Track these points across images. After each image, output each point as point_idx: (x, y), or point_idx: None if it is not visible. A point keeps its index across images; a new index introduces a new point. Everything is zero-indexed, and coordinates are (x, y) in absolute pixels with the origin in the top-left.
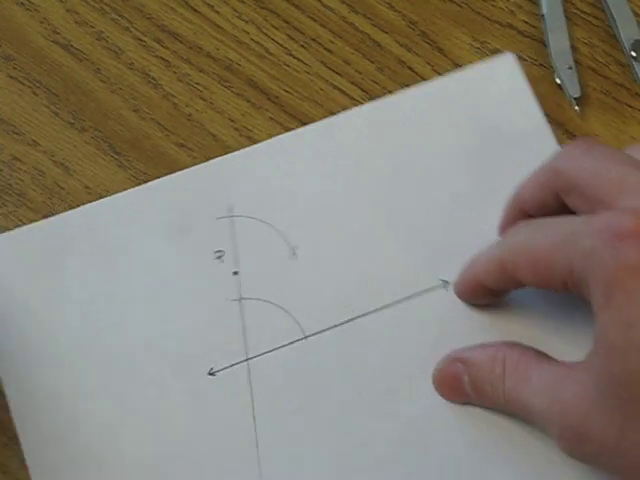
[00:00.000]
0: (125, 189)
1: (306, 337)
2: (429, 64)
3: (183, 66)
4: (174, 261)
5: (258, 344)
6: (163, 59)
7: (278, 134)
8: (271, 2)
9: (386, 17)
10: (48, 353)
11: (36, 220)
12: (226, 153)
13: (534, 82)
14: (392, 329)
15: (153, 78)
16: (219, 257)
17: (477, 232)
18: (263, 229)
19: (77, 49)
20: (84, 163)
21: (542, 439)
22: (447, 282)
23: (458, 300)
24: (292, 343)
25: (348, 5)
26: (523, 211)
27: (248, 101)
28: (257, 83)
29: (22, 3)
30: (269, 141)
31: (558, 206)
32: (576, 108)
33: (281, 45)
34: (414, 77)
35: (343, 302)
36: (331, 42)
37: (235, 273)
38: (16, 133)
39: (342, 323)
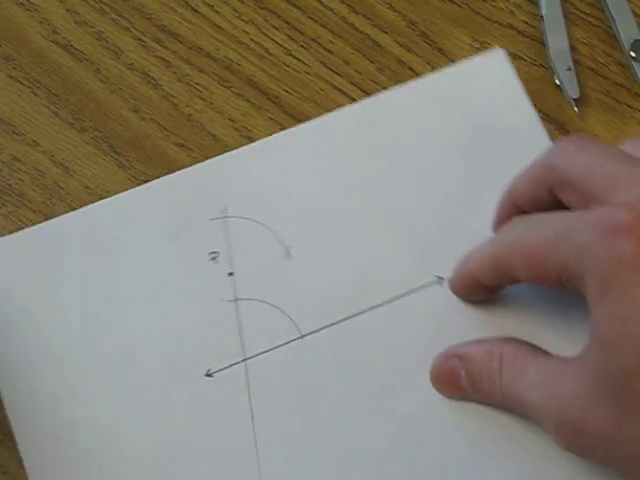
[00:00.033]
0: (125, 189)
1: (302, 336)
2: (429, 64)
3: (183, 66)
4: (169, 263)
5: (255, 344)
6: (163, 59)
7: None
8: (271, 2)
9: (386, 17)
10: (46, 355)
11: (36, 220)
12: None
13: (534, 82)
14: (388, 326)
15: (153, 78)
16: (214, 258)
17: (471, 228)
18: (257, 229)
19: (77, 49)
20: (84, 163)
21: (539, 434)
22: (442, 278)
23: (453, 296)
24: (289, 342)
25: (348, 5)
26: (517, 206)
27: (248, 101)
28: (257, 83)
29: (22, 3)
30: (261, 141)
31: (552, 202)
32: (575, 109)
33: (281, 45)
34: (414, 77)
35: (338, 300)
36: (331, 42)
37: (230, 274)
38: (16, 133)
39: (338, 322)
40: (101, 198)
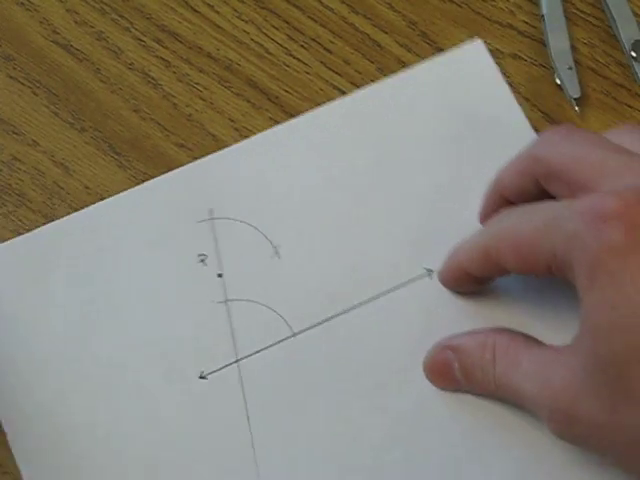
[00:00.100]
0: (125, 189)
1: (294, 335)
2: None
3: (183, 66)
4: (158, 267)
5: (247, 345)
6: (163, 59)
7: None
8: (271, 2)
9: (386, 17)
10: (41, 360)
11: (36, 220)
12: None
13: (534, 82)
14: (379, 321)
15: (153, 78)
16: (202, 260)
17: (459, 220)
18: (245, 230)
19: (77, 49)
20: (84, 163)
21: (534, 423)
22: (431, 271)
23: (443, 288)
24: (281, 342)
25: (348, 5)
26: (503, 197)
27: (248, 101)
28: (257, 83)
29: (22, 3)
30: (245, 141)
31: (538, 192)
32: (576, 108)
33: (281, 45)
34: None
35: (329, 297)
36: (331, 42)
37: (219, 275)
38: (16, 133)
39: (329, 318)
40: (101, 198)
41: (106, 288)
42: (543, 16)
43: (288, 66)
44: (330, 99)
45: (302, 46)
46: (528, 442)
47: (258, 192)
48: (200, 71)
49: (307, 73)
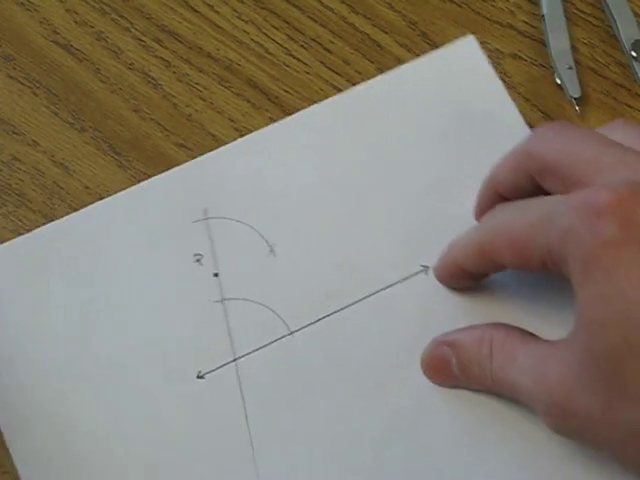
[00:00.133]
0: (124, 189)
1: (291, 333)
2: None
3: (183, 66)
4: (154, 268)
5: (244, 344)
6: (163, 59)
7: None
8: (271, 2)
9: (386, 17)
10: (39, 361)
11: (36, 220)
12: None
13: (534, 82)
14: (376, 318)
15: (153, 78)
16: (198, 260)
17: (454, 216)
18: (240, 229)
19: (77, 49)
20: (84, 163)
21: (531, 418)
22: (427, 267)
23: (439, 284)
24: (278, 340)
25: (348, 5)
26: (498, 193)
27: (248, 101)
28: (257, 83)
29: (22, 3)
30: (238, 141)
31: (532, 188)
32: (576, 108)
33: (281, 45)
34: None
35: (325, 295)
36: (331, 42)
37: (215, 275)
38: (16, 133)
39: (326, 316)
40: (101, 198)
41: (103, 289)
42: (543, 16)
43: (288, 66)
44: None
45: (302, 46)
46: (526, 436)
47: (252, 190)
48: (200, 71)
49: (307, 73)
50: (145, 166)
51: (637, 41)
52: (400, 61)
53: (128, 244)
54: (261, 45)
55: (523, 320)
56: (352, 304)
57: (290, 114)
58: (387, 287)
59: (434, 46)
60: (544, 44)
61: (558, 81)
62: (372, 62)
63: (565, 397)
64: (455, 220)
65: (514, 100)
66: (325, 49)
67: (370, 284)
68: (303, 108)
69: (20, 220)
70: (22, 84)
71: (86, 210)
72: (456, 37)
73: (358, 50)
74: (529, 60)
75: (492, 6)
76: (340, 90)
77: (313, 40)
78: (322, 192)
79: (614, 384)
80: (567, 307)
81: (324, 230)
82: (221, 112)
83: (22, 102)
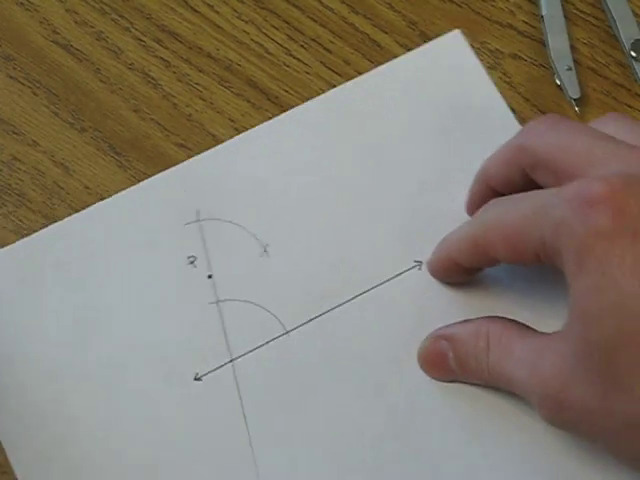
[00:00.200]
0: (125, 189)
1: (287, 332)
2: None
3: (183, 66)
4: (149, 271)
5: (240, 344)
6: (163, 59)
7: None
8: (271, 2)
9: (386, 17)
10: (36, 365)
11: (36, 220)
12: None
13: (534, 82)
14: (371, 315)
15: (153, 78)
16: (192, 262)
17: (447, 211)
18: (232, 230)
19: (77, 49)
20: (84, 163)
21: (529, 412)
22: (421, 262)
23: (433, 279)
24: (274, 339)
25: (348, 5)
26: (490, 187)
27: (248, 101)
28: (257, 83)
29: (22, 3)
30: (229, 142)
31: (524, 182)
32: (576, 109)
33: (281, 45)
34: None
35: (320, 293)
36: (331, 42)
37: (209, 276)
38: (16, 133)
39: (321, 314)
40: (101, 198)
41: (99, 292)
42: (543, 16)
43: (288, 66)
44: None
45: (302, 46)
46: (526, 428)
47: (244, 190)
48: (200, 71)
49: (307, 73)
50: (145, 166)
51: (637, 41)
52: None
53: (121, 248)
54: (261, 45)
55: (517, 314)
56: (347, 301)
57: None
58: (381, 283)
59: None
60: (544, 44)
61: (558, 81)
62: (372, 62)
63: (560, 389)
64: (448, 215)
65: (514, 100)
66: (325, 49)
67: (364, 281)
68: None
69: (20, 220)
70: (22, 84)
71: (82, 213)
72: None
73: (358, 50)
74: (529, 60)
75: (492, 6)
76: None
77: (313, 40)
78: (313, 190)
79: (608, 375)
80: (561, 300)
81: (317, 228)
82: (221, 112)
83: (22, 102)
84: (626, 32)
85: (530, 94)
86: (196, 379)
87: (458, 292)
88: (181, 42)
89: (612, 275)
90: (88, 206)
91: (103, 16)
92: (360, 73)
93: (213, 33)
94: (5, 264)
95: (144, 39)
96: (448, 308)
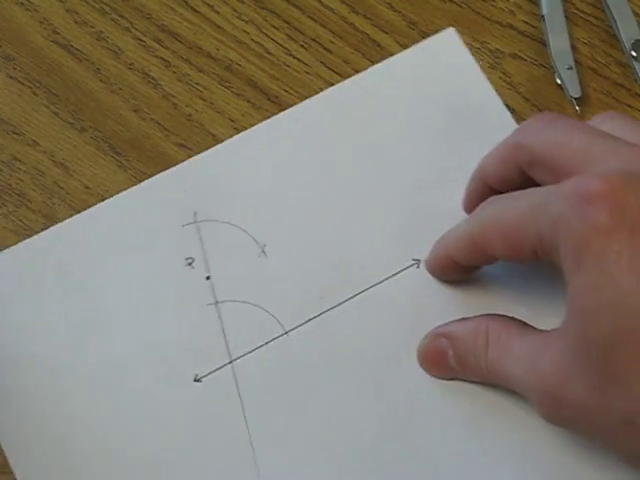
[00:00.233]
0: (125, 189)
1: (286, 332)
2: None
3: (183, 66)
4: (147, 273)
5: (240, 345)
6: (163, 59)
7: None
8: (271, 2)
9: (386, 17)
10: (35, 366)
11: (36, 220)
12: None
13: (534, 82)
14: (370, 314)
15: (153, 78)
16: (190, 264)
17: (445, 209)
18: (230, 231)
19: (77, 49)
20: (84, 163)
21: (528, 409)
22: (419, 261)
23: (431, 277)
24: (273, 340)
25: (348, 5)
26: (487, 185)
27: (248, 101)
28: (257, 83)
29: (22, 3)
30: (227, 141)
31: (522, 180)
32: (576, 108)
33: (281, 45)
34: None
35: (318, 293)
36: (331, 42)
37: (207, 278)
38: (16, 133)
39: (320, 314)
40: (102, 198)
41: (99, 294)
42: (543, 16)
43: (288, 66)
44: None
45: (302, 46)
46: (526, 426)
47: (241, 191)
48: (200, 71)
49: (307, 73)
50: (145, 166)
51: (637, 41)
52: None
53: (121, 250)
54: (261, 45)
55: (515, 311)
56: (345, 301)
57: None
58: (379, 282)
59: None
60: (544, 44)
61: (558, 81)
62: (372, 62)
63: (558, 386)
64: (445, 213)
65: (514, 100)
66: (325, 49)
67: (362, 280)
68: None
69: (20, 220)
70: (22, 84)
71: (83, 215)
72: None
73: (358, 50)
74: (529, 60)
75: (492, 6)
76: None
77: (313, 40)
78: (310, 190)
79: (606, 372)
80: (559, 297)
81: (314, 227)
82: (221, 112)
83: (22, 102)
84: (626, 32)
85: (530, 94)
86: (196, 380)
87: (456, 290)
88: (181, 42)
89: (610, 272)
90: (88, 206)
91: (103, 16)
92: (360, 73)
93: (213, 33)
94: (6, 266)
95: (144, 39)
96: (446, 306)
